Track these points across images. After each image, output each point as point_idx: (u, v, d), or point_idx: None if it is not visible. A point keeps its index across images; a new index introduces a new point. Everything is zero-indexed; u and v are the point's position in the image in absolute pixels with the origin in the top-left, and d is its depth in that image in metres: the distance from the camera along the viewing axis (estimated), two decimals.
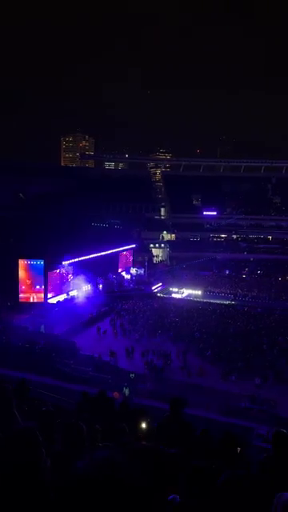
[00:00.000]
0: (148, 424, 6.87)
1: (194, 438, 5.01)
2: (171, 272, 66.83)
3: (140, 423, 6.54)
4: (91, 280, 49.27)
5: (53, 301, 43.54)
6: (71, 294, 46.08)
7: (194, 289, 57.82)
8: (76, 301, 44.15)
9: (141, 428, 6.38)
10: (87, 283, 48.22)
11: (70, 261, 46.19)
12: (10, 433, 1.61)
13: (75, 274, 46.94)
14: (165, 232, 78.72)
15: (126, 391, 24.22)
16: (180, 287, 58.38)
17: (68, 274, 46.75)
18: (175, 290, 58.10)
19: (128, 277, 59.86)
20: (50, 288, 43.65)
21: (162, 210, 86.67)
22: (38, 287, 42.94)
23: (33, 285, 42.85)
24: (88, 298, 45.40)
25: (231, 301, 54.30)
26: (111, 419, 6.42)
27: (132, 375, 27.16)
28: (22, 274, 42.41)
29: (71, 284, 46.87)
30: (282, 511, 1.62)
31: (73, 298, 45.39)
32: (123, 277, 59.06)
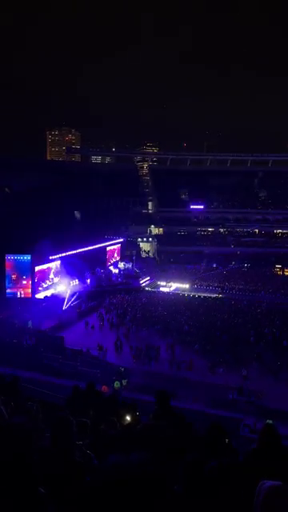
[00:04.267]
0: (136, 416, 6.92)
1: (183, 430, 5.07)
2: (159, 266, 67.01)
3: (125, 416, 6.58)
4: (79, 275, 49.10)
5: (40, 296, 43.31)
6: (58, 288, 45.87)
7: (182, 282, 58.09)
8: (62, 295, 43.78)
9: (126, 420, 6.42)
10: (74, 278, 48.05)
11: (57, 256, 45.94)
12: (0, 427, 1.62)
13: (62, 268, 46.73)
14: (152, 226, 78.75)
15: (119, 383, 24.30)
16: (168, 281, 58.59)
17: (55, 268, 46.49)
18: (163, 283, 58.30)
19: (116, 271, 59.80)
20: (37, 283, 43.42)
21: (150, 204, 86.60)
22: (24, 283, 42.65)
23: (20, 280, 42.54)
24: (75, 293, 45.22)
25: (218, 294, 54.71)
26: (100, 412, 6.45)
27: (122, 369, 27.26)
28: (8, 269, 42.08)
29: (58, 279, 46.64)
30: (264, 498, 1.66)
31: (59, 293, 45.15)
32: (111, 271, 58.98)
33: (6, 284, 42.07)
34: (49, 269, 45.86)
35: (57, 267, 46.76)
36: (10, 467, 1.46)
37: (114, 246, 63.10)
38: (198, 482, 2.25)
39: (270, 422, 16.38)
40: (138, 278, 57.91)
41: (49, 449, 2.79)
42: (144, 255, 74.43)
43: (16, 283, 42.40)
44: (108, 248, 61.07)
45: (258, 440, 3.10)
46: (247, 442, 16.19)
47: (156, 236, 77.30)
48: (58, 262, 46.76)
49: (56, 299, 43.35)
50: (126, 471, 1.50)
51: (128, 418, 6.66)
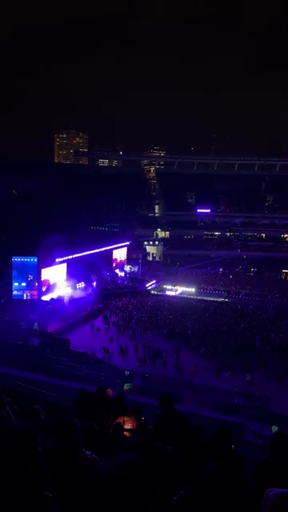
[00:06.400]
0: (141, 421, 6.89)
1: (188, 435, 5.04)
2: (165, 269, 66.93)
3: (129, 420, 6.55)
4: (85, 277, 49.16)
5: (46, 298, 43.39)
6: (64, 291, 45.95)
7: (188, 286, 57.93)
8: (65, 301, 43.67)
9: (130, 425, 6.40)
10: (80, 280, 48.14)
11: (64, 258, 46.03)
12: (6, 431, 1.61)
13: (68, 271, 46.82)
14: (159, 229, 78.72)
15: (128, 385, 24.27)
16: (174, 284, 58.47)
17: (61, 271, 46.58)
18: (169, 287, 58.18)
19: (122, 274, 59.80)
20: (43, 285, 43.54)
21: (156, 207, 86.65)
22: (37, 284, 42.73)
23: (33, 281, 42.66)
24: (81, 296, 45.27)
25: (224, 298, 54.50)
26: (109, 416, 6.44)
27: (127, 372, 27.22)
28: (21, 270, 42.31)
29: (65, 281, 46.74)
30: (271, 506, 1.64)
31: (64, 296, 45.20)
32: (117, 274, 58.99)
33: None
34: (55, 271, 45.93)
35: (63, 269, 46.83)
36: (17, 471, 1.46)
37: (120, 249, 63.12)
38: (205, 486, 2.23)
39: (276, 428, 16.25)
40: (143, 281, 57.88)
41: (53, 452, 2.78)
42: (150, 258, 74.39)
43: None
44: (114, 251, 61.11)
45: (271, 449, 3.06)
46: (252, 448, 16.07)
47: (162, 239, 77.24)
48: (65, 265, 46.85)
49: (62, 301, 43.43)
50: (118, 473, 1.48)
51: (132, 422, 6.63)
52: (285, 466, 2.86)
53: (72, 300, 43.61)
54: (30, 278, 42.24)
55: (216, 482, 2.19)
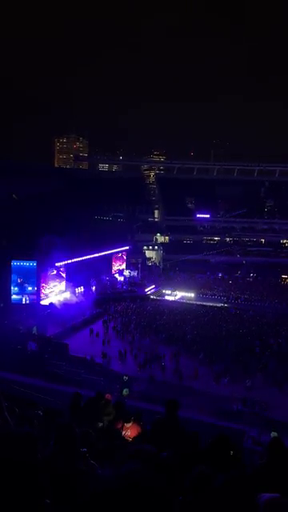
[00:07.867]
0: (140, 426, 6.87)
1: (186, 440, 5.03)
2: (164, 274, 66.92)
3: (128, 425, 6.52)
4: (84, 282, 49.10)
5: (45, 302, 43.32)
6: (63, 295, 45.87)
7: (187, 291, 57.89)
8: (57, 305, 43.47)
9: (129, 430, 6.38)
10: (80, 285, 48.06)
11: (63, 262, 46.00)
12: (5, 436, 1.61)
13: (68, 275, 46.78)
14: (158, 234, 78.78)
15: (128, 391, 24.17)
16: (173, 289, 58.44)
17: (61, 275, 46.52)
18: (168, 292, 58.14)
19: (121, 279, 59.78)
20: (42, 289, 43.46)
21: (156, 212, 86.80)
22: (30, 289, 42.66)
23: (25, 285, 42.55)
24: (77, 302, 45.13)
25: (224, 303, 54.46)
26: (109, 421, 6.42)
27: (125, 377, 27.11)
28: (14, 274, 42.18)
29: (64, 285, 46.67)
30: (263, 511, 1.65)
31: (65, 300, 45.08)
32: (116, 279, 58.96)
33: (19, 290, 42.10)
34: (54, 275, 45.87)
35: (62, 273, 46.77)
36: (16, 477, 1.45)
37: (119, 254, 63.14)
38: (204, 494, 2.22)
39: (275, 434, 16.17)
40: (143, 286, 57.86)
41: (51, 458, 2.76)
42: (149, 263, 74.38)
43: (22, 287, 42.32)
44: (114, 255, 61.12)
45: (267, 454, 3.06)
46: (250, 454, 15.99)
47: (162, 244, 77.29)
48: (64, 269, 46.79)
49: (61, 306, 43.32)
50: (123, 481, 1.48)
51: (131, 428, 6.61)
52: (281, 471, 2.86)
53: (66, 305, 43.37)
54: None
55: (204, 486, 2.19)
